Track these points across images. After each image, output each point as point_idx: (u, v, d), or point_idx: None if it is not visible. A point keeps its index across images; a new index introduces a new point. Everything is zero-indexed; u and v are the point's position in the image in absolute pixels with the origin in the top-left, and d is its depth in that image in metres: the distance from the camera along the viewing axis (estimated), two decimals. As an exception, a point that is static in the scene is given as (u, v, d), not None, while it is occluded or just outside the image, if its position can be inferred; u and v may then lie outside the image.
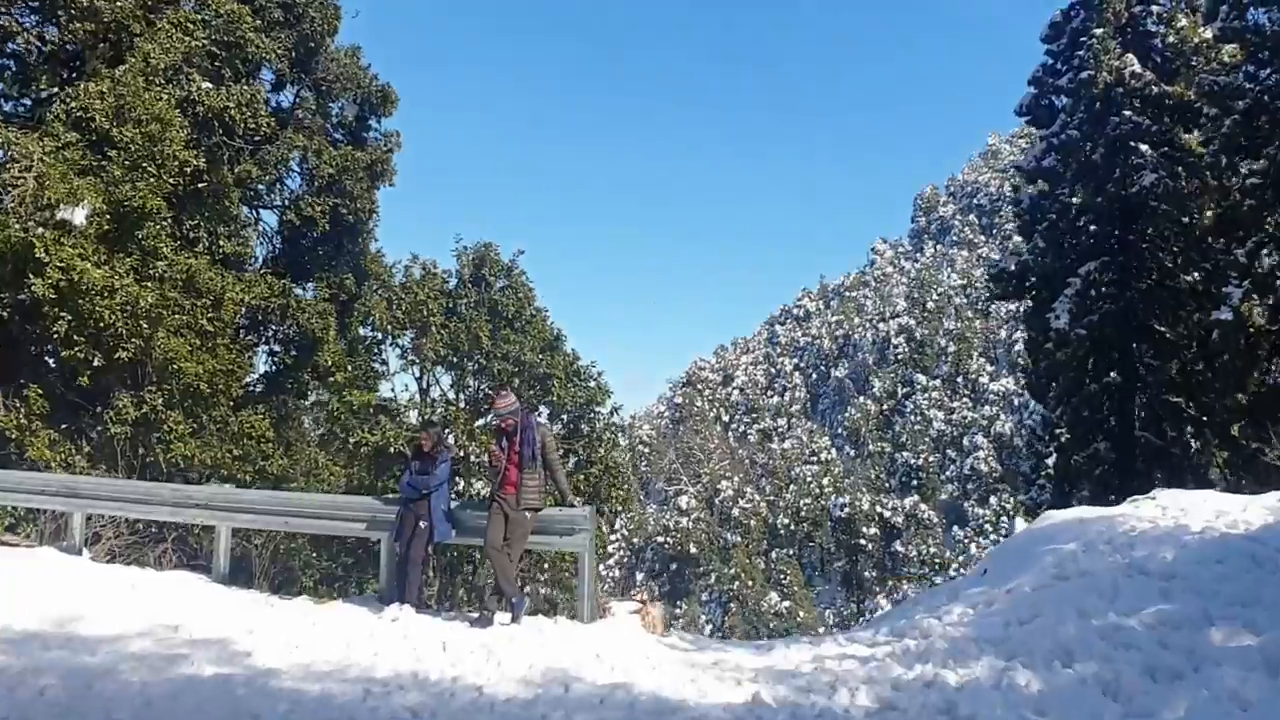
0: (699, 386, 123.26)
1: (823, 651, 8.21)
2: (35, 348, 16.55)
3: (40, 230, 15.22)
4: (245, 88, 18.98)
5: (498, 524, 9.30)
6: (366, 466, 15.43)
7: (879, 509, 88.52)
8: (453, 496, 10.47)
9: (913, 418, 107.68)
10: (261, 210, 22.27)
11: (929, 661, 7.21)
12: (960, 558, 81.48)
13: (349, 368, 17.51)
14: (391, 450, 14.70)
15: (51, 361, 16.85)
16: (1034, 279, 23.51)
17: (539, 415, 15.02)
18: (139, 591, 10.03)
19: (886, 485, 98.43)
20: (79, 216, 15.54)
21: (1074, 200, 23.00)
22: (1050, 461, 24.20)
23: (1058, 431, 23.56)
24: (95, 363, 15.62)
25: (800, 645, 8.89)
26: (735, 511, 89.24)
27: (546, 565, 15.33)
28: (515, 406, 9.63)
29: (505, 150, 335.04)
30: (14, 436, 15.21)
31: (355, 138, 22.44)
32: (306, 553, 15.27)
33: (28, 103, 19.26)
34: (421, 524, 9.75)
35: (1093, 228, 22.53)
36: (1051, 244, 23.00)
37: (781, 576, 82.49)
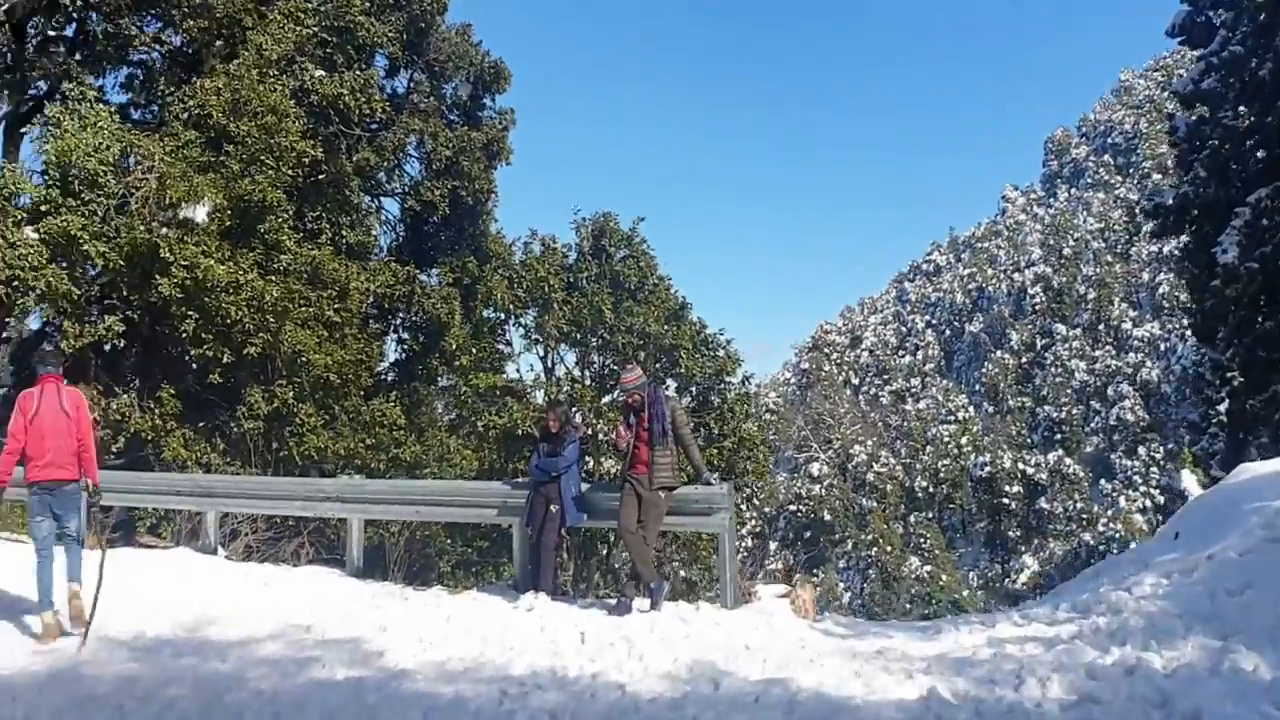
0: (826, 350, 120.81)
1: (999, 634, 7.40)
2: (167, 348, 16.83)
3: (164, 230, 15.41)
4: (358, 73, 18.94)
5: (631, 505, 8.80)
6: (497, 450, 15.21)
7: (1021, 466, 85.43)
8: (582, 477, 10.02)
9: (1053, 369, 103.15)
10: (382, 198, 22.32)
11: (1126, 643, 6.35)
12: (1109, 512, 78.10)
13: (474, 351, 17.33)
14: (520, 432, 14.41)
15: (190, 361, 17.10)
16: (1195, 211, 21.59)
17: (667, 388, 14.48)
18: (272, 590, 9.89)
19: (1028, 441, 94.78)
20: (200, 214, 15.68)
21: (1239, 123, 20.98)
22: (1222, 408, 22.31)
23: (1229, 375, 21.63)
24: (225, 359, 15.78)
25: (972, 627, 8.07)
26: (870, 476, 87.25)
27: (683, 544, 14.82)
28: (642, 380, 9.10)
29: (618, 117, 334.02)
30: (150, 437, 15.48)
31: (470, 118, 22.25)
32: (441, 539, 15.14)
33: (155, 109, 19.64)
34: (553, 508, 9.33)
35: (1261, 151, 20.43)
36: (1214, 172, 21.03)
37: (921, 540, 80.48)
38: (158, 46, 18.80)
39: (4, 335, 20.81)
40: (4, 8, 16.08)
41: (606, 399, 15.18)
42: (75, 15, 17.50)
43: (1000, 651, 6.74)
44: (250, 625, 8.16)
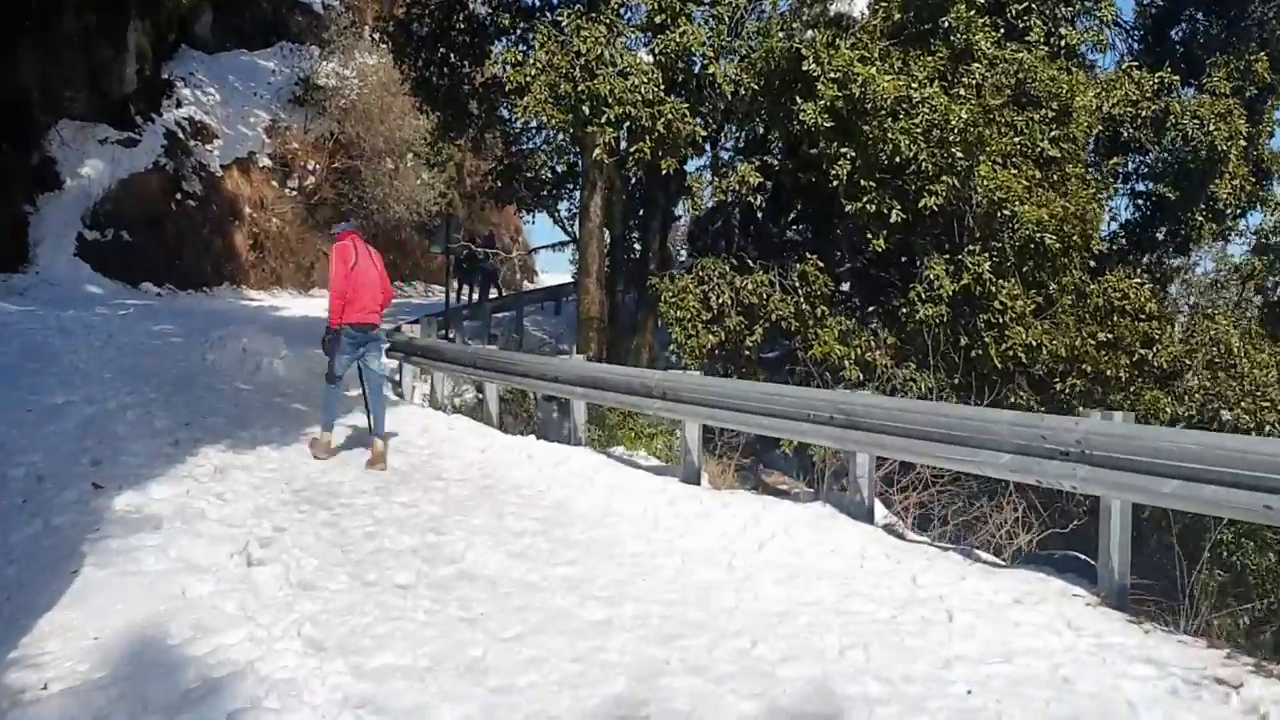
0: None
1: None
2: (815, 205, 12.46)
3: (808, 34, 10.90)
4: None
5: None
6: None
7: None
8: None
9: None
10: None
11: None
12: None
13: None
14: None
15: (847, 220, 12.59)
16: None
17: None
18: (956, 623, 4.64)
19: None
20: (859, 6, 11.01)
21: None
22: None
23: None
24: (893, 217, 10.93)
25: None
26: None
27: None
28: None
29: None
30: (794, 328, 11.26)
31: None
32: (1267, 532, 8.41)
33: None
34: None
35: None
36: None
37: None
38: None
39: (677, 215, 18.31)
40: None
41: None
42: None
43: None
44: (909, 706, 3.37)
